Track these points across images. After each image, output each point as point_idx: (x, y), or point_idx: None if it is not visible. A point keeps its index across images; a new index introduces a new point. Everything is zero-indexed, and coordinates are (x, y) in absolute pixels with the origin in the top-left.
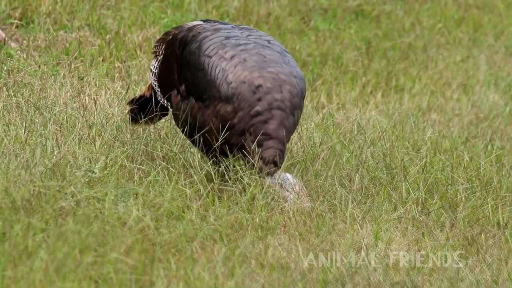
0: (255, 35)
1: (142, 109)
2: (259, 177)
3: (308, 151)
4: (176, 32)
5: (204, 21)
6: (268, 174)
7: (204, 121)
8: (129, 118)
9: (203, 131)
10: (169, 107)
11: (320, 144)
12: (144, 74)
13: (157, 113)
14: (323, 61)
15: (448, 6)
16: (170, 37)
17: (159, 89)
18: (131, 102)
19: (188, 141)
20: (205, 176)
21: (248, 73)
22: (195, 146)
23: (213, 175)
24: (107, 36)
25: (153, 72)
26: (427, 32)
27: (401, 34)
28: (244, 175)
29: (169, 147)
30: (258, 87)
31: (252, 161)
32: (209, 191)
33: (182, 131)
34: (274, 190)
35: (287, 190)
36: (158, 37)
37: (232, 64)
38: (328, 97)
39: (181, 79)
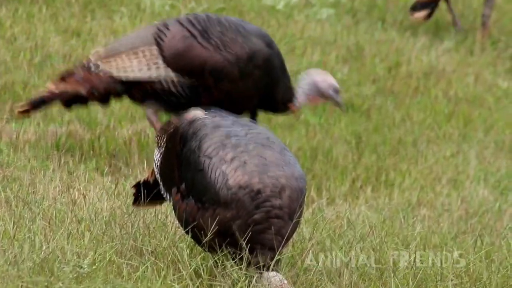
0: (254, 132)
1: (146, 192)
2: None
3: (297, 246)
4: (178, 124)
5: (206, 111)
6: (257, 270)
7: (202, 223)
8: (133, 200)
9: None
10: (169, 201)
11: (310, 239)
12: (134, 169)
13: (160, 198)
14: (313, 156)
15: (438, 100)
16: (172, 130)
17: (161, 182)
18: (136, 185)
19: (178, 236)
20: (194, 271)
21: (248, 178)
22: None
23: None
24: (97, 130)
25: (155, 163)
26: (417, 126)
27: (391, 129)
28: (233, 270)
29: (158, 242)
30: (257, 193)
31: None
32: (197, 286)
33: (182, 227)
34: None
35: None
36: (148, 130)
37: (232, 167)
38: (318, 192)
39: (182, 177)
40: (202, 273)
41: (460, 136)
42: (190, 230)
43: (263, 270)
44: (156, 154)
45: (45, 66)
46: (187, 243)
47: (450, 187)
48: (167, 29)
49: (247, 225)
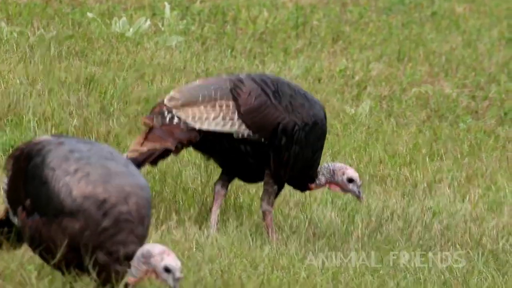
0: (97, 148)
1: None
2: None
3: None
4: (24, 147)
5: (53, 136)
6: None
7: (50, 237)
8: None
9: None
10: (18, 224)
11: None
12: None
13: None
14: (162, 179)
15: None
16: (18, 153)
17: (9, 206)
18: None
19: (26, 258)
20: None
21: (92, 188)
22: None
23: None
24: None
25: (4, 189)
26: None
27: None
28: None
29: (6, 264)
30: (103, 202)
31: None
32: None
33: (31, 248)
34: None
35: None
36: None
37: (76, 178)
38: (167, 214)
39: (26, 194)
40: None
41: None
42: (38, 248)
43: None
44: (4, 180)
45: None
46: (36, 265)
47: (298, 210)
48: (243, 84)
49: (98, 234)
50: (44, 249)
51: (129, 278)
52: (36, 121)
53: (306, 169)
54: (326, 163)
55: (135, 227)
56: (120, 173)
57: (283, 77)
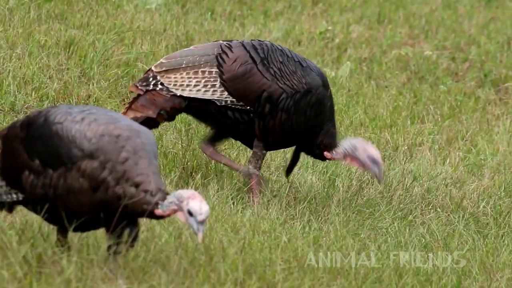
0: (91, 106)
1: None
2: (152, 212)
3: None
4: (12, 125)
5: None
6: (157, 204)
7: (69, 186)
8: None
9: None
10: (19, 196)
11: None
12: None
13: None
14: None
15: None
16: (6, 131)
17: (4, 182)
18: None
19: (7, 223)
20: (23, 258)
21: (105, 127)
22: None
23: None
24: None
25: None
26: None
27: None
28: (62, 257)
29: None
30: (118, 136)
31: (142, 204)
32: (26, 273)
33: (40, 209)
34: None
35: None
36: None
37: (85, 124)
38: None
39: (33, 155)
40: (31, 260)
41: None
42: (48, 205)
43: (162, 194)
44: None
45: None
46: (16, 230)
47: (278, 174)
48: (230, 51)
49: (120, 163)
50: (59, 203)
51: (157, 210)
52: (16, 85)
53: (307, 136)
54: (350, 137)
55: (152, 158)
56: (123, 118)
57: (281, 45)
